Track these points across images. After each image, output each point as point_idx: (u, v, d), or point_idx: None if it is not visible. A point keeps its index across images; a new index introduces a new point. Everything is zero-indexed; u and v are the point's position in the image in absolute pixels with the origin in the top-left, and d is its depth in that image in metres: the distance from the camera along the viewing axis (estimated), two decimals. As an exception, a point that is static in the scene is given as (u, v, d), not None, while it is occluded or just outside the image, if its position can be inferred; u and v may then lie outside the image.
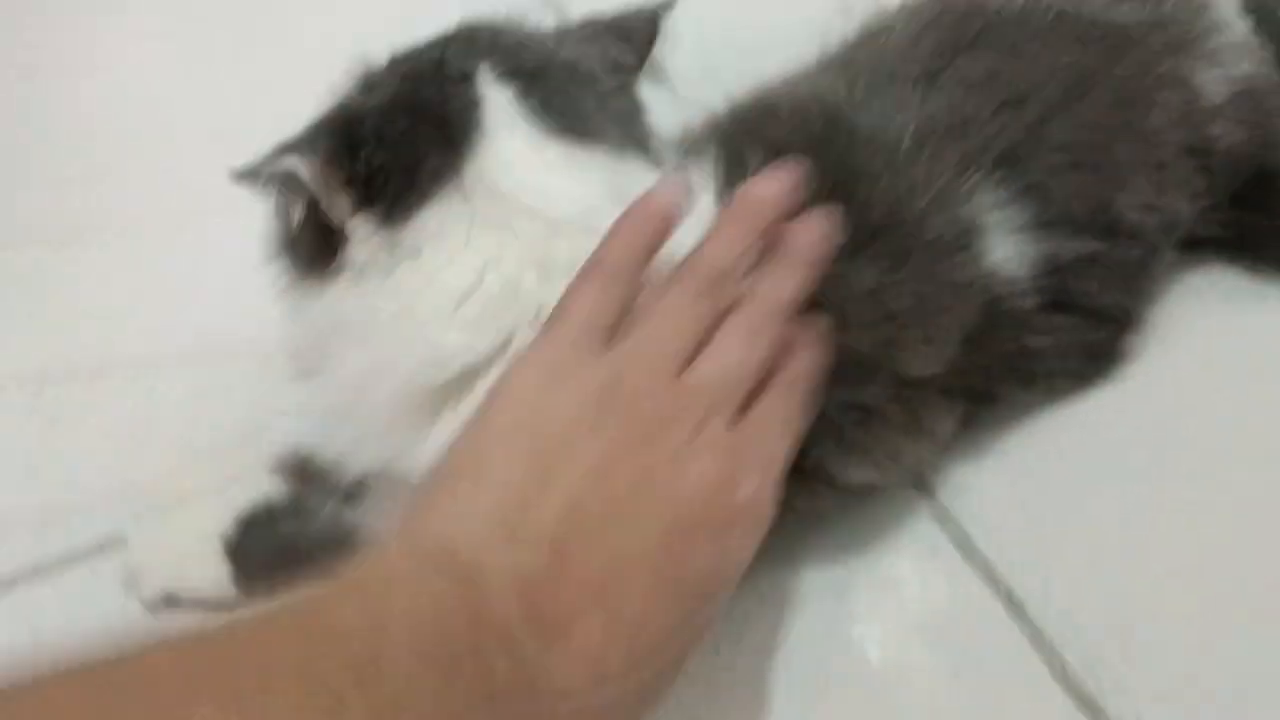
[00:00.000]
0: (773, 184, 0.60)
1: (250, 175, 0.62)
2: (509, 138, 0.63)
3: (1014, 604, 0.72)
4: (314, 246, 0.65)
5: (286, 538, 0.73)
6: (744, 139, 0.71)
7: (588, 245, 0.58)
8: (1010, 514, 0.76)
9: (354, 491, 0.72)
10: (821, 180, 0.64)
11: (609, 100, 0.68)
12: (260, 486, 0.75)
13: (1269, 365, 0.84)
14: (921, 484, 0.78)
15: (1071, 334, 0.76)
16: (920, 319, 0.68)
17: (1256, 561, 0.73)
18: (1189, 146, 0.80)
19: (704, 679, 0.67)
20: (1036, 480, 0.78)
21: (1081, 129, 0.76)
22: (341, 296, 0.64)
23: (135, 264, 0.99)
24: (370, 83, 0.66)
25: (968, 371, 0.72)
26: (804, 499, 0.66)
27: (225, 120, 1.05)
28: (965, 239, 0.71)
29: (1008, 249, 0.72)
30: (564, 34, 0.72)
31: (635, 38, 0.72)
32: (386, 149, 0.61)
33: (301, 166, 0.61)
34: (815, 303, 0.62)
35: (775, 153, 0.66)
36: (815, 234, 0.60)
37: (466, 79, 0.64)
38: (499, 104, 0.64)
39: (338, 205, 0.63)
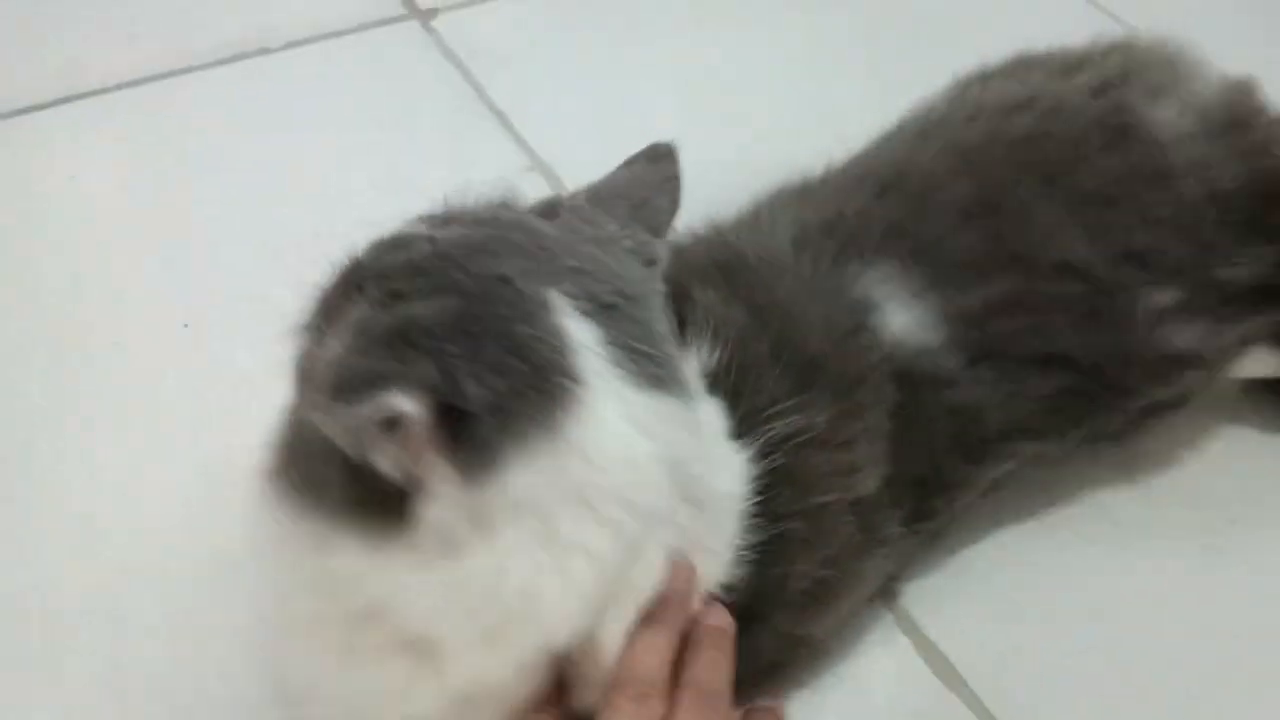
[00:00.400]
0: (685, 576, 0.61)
1: (339, 414, 0.51)
2: (605, 394, 0.56)
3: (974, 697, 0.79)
4: (364, 493, 0.54)
5: None
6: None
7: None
8: (970, 618, 0.82)
9: None
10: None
11: (664, 326, 0.63)
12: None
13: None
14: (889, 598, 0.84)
15: (1007, 386, 0.74)
16: (853, 439, 0.69)
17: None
18: (1157, 182, 0.79)
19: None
20: (996, 589, 0.84)
21: (982, 184, 0.78)
22: (398, 566, 0.55)
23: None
24: (418, 277, 0.56)
25: (909, 463, 0.72)
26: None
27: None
28: (858, 319, 0.73)
29: (906, 319, 0.73)
30: (594, 224, 0.65)
31: (658, 221, 0.68)
32: (485, 386, 0.53)
33: (409, 405, 0.51)
34: (788, 474, 0.65)
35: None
36: (724, 615, 0.63)
37: (544, 307, 0.56)
38: (589, 348, 0.56)
39: (427, 454, 0.53)
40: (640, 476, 0.56)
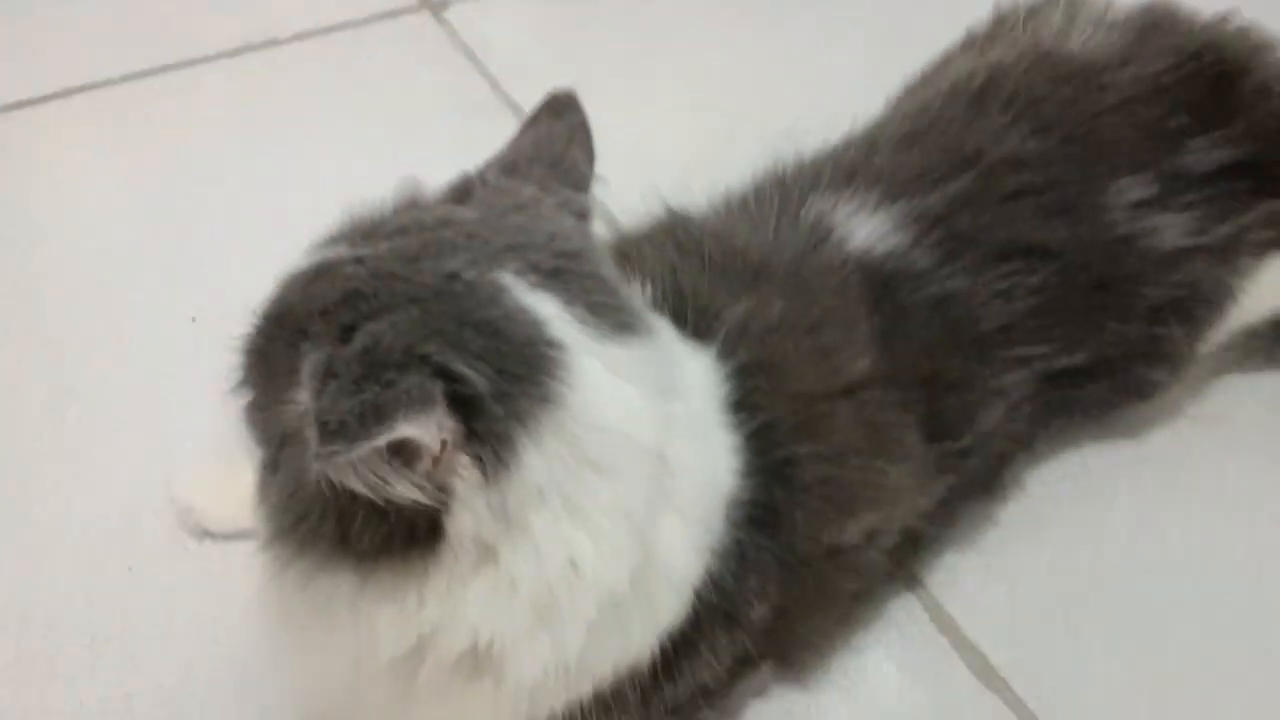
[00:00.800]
0: None
1: (353, 458, 0.49)
2: (585, 354, 0.56)
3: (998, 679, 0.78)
4: (385, 535, 0.54)
5: None
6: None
7: (693, 461, 0.60)
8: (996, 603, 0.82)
9: None
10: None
11: (611, 271, 0.63)
12: None
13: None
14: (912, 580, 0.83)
15: (989, 281, 0.76)
16: (818, 322, 0.72)
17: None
18: (1086, 84, 0.84)
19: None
20: (1023, 571, 0.84)
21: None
22: (438, 594, 0.55)
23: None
24: (362, 302, 0.54)
25: (908, 359, 0.73)
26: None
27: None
28: (817, 240, 0.76)
29: (867, 230, 0.77)
30: (513, 194, 0.64)
31: (578, 174, 0.67)
32: (481, 374, 0.52)
33: (422, 424, 0.50)
34: (758, 365, 0.67)
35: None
36: None
37: (499, 290, 0.56)
38: (554, 315, 0.56)
39: (452, 463, 0.52)
40: (636, 422, 0.57)
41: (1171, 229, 0.81)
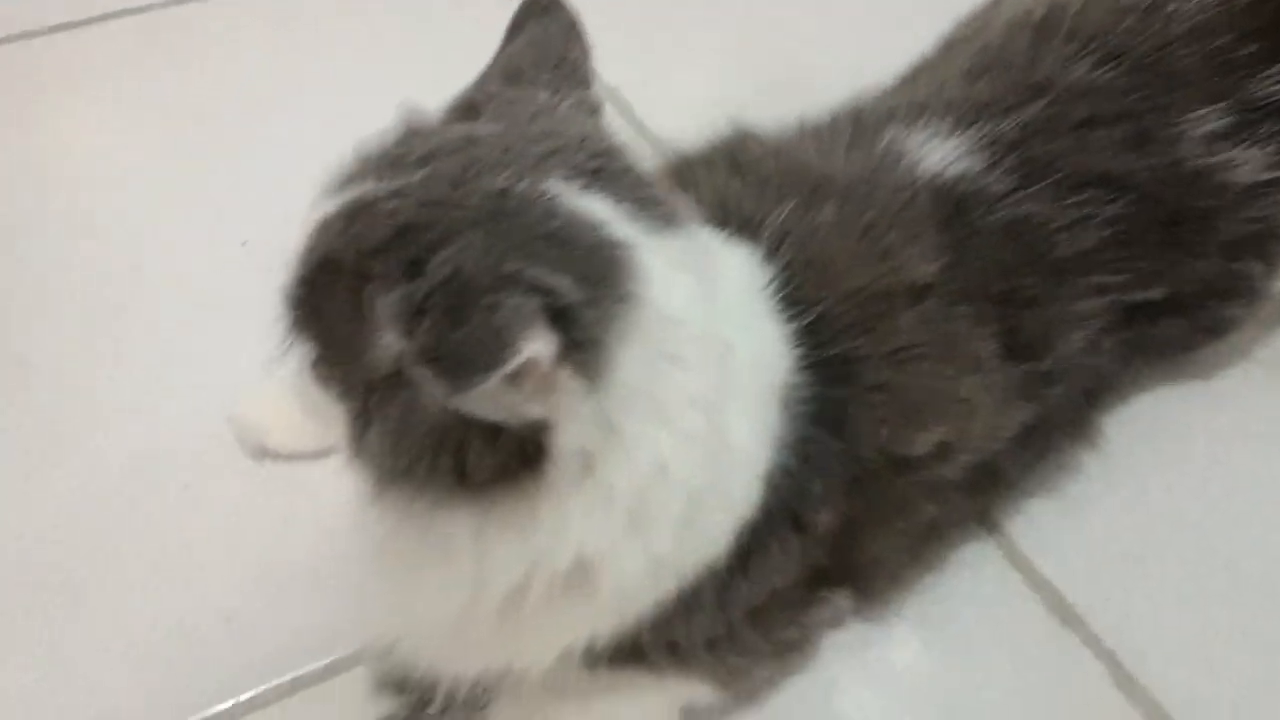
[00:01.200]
0: None
1: (479, 383, 0.48)
2: (647, 250, 0.55)
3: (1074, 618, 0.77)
4: (502, 455, 0.53)
5: None
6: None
7: (749, 349, 0.60)
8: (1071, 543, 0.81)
9: (477, 699, 0.68)
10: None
11: (640, 164, 0.62)
12: (379, 706, 0.72)
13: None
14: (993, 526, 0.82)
15: (1066, 208, 0.75)
16: (875, 224, 0.71)
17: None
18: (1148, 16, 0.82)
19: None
20: (1097, 512, 0.83)
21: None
22: (546, 513, 0.55)
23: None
24: (421, 233, 0.52)
25: (981, 275, 0.72)
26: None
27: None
28: (887, 164, 0.75)
29: (941, 154, 0.75)
30: (525, 102, 0.62)
31: (580, 71, 0.66)
32: (567, 283, 0.51)
33: (537, 341, 0.48)
34: (805, 262, 0.66)
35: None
36: None
37: (552, 198, 0.54)
38: (613, 218, 0.55)
39: (560, 377, 0.51)
40: (701, 311, 0.57)
41: (1248, 163, 0.79)
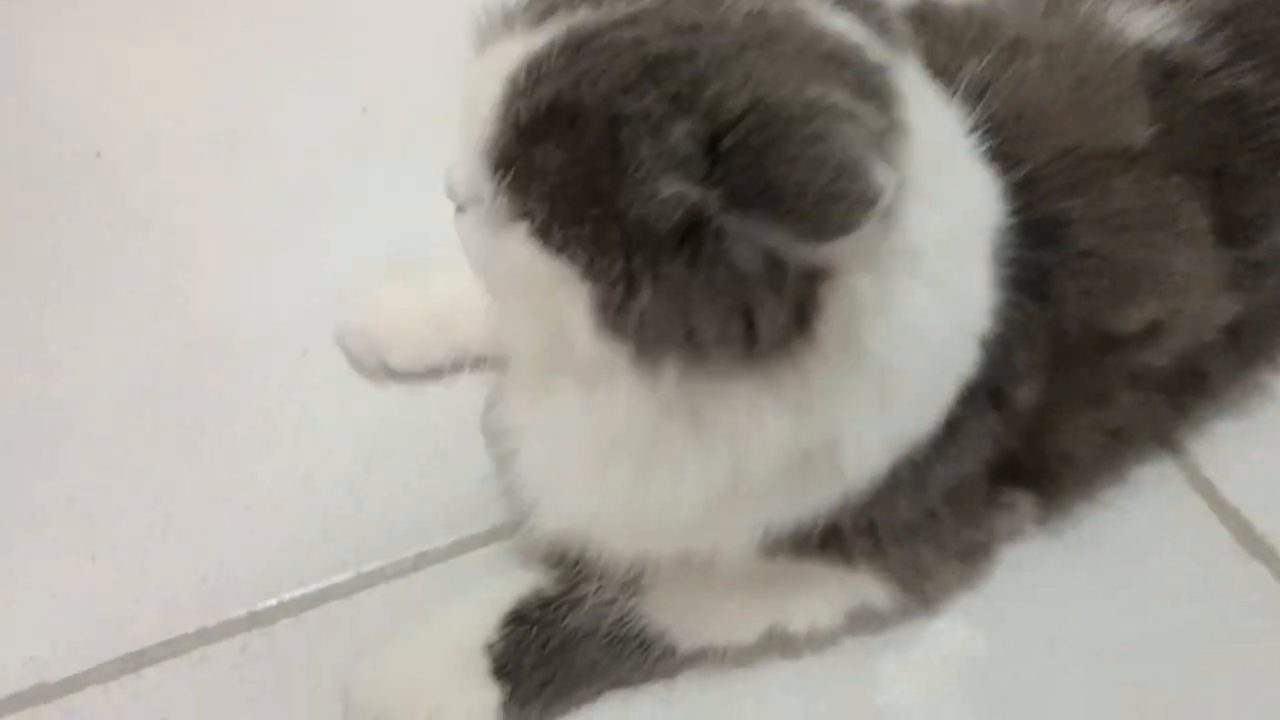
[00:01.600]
0: None
1: (851, 226, 0.43)
2: (900, 77, 0.49)
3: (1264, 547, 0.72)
4: (785, 315, 0.47)
5: (562, 634, 0.64)
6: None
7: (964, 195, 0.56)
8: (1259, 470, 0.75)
9: (633, 582, 0.63)
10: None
11: None
12: (523, 580, 0.67)
13: None
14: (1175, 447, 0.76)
15: (1276, 82, 0.70)
16: (1086, 80, 0.66)
17: None
18: None
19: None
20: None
21: None
22: (818, 386, 0.49)
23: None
24: (685, 50, 0.46)
25: (1194, 148, 0.67)
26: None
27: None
28: (1090, 27, 0.70)
29: (1148, 21, 0.70)
30: None
31: None
32: (882, 117, 0.46)
33: (889, 171, 0.44)
34: (1013, 115, 0.61)
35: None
36: None
37: (810, 17, 0.49)
38: (866, 40, 0.50)
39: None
40: (948, 137, 0.54)
41: None
